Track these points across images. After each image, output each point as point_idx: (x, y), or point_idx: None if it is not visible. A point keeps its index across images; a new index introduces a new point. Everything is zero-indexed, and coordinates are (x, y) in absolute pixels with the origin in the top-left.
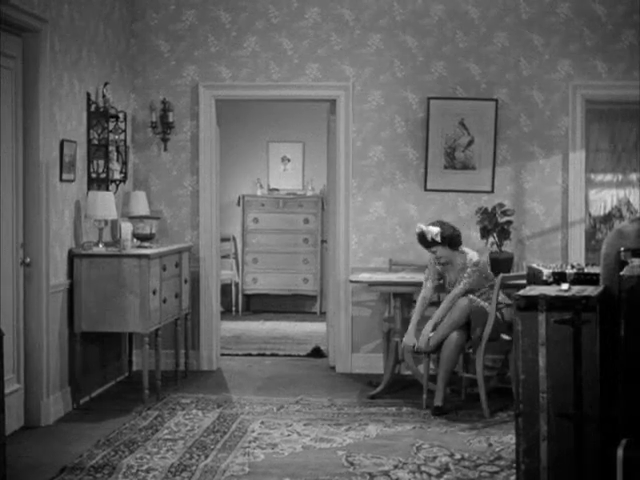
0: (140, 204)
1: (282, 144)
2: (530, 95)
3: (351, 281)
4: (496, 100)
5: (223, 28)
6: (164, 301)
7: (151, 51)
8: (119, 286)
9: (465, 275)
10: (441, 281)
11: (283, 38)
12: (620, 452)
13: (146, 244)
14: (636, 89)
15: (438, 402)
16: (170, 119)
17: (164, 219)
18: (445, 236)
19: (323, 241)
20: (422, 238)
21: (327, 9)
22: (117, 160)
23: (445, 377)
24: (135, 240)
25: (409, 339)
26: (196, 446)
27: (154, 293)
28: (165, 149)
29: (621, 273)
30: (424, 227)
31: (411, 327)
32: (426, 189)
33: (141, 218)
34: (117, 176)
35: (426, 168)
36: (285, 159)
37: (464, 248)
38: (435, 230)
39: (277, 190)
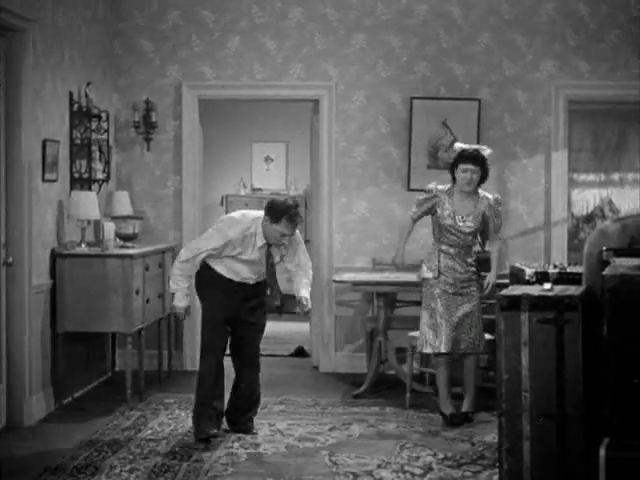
0: (123, 204)
1: (266, 144)
2: (513, 95)
3: (335, 281)
4: (479, 100)
5: (207, 28)
6: (147, 301)
7: (134, 51)
8: (102, 286)
9: (500, 218)
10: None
11: (267, 38)
12: (602, 451)
13: (129, 244)
14: (619, 89)
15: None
16: (153, 119)
17: (147, 219)
18: (488, 166)
19: (307, 241)
20: (473, 153)
21: (311, 9)
22: (100, 160)
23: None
24: (118, 240)
25: (399, 256)
26: (179, 446)
27: (137, 293)
28: (148, 149)
29: (603, 273)
30: (475, 145)
31: (400, 245)
32: (409, 189)
33: (124, 218)
34: (100, 176)
35: (409, 168)
36: (268, 159)
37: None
38: (490, 150)
39: (260, 190)
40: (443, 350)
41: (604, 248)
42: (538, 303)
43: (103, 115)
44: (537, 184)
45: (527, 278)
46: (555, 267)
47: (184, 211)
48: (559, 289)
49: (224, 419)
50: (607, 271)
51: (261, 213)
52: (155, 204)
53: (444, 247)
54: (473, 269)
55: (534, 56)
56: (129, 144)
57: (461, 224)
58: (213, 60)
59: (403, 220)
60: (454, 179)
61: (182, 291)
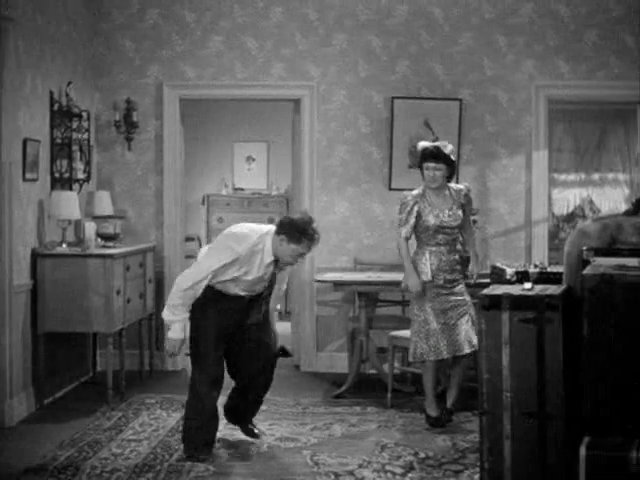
0: (104, 204)
1: (247, 144)
2: (494, 95)
3: (316, 280)
4: (460, 100)
5: (188, 28)
6: (128, 301)
7: (115, 50)
8: (83, 286)
9: (472, 207)
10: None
11: (248, 38)
12: (583, 450)
13: (110, 244)
14: (599, 89)
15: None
16: (134, 118)
17: (128, 219)
18: (454, 160)
19: None
20: (433, 151)
21: (292, 9)
22: (80, 159)
23: None
24: (99, 240)
25: (415, 280)
26: (160, 446)
27: (118, 293)
28: (129, 149)
29: (584, 272)
30: (436, 142)
31: (410, 269)
32: (390, 188)
33: (105, 218)
34: (81, 175)
35: (390, 168)
36: (250, 159)
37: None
38: (451, 146)
39: (242, 190)
40: (445, 356)
41: (584, 248)
42: (519, 302)
43: (84, 115)
44: (518, 184)
45: (508, 277)
46: (536, 267)
47: (165, 211)
48: (539, 289)
49: (224, 417)
50: (587, 270)
51: (267, 228)
52: (136, 204)
53: (433, 248)
54: (458, 267)
55: (515, 56)
56: (110, 144)
57: (448, 219)
58: (194, 60)
59: (398, 245)
60: (423, 177)
61: (181, 322)
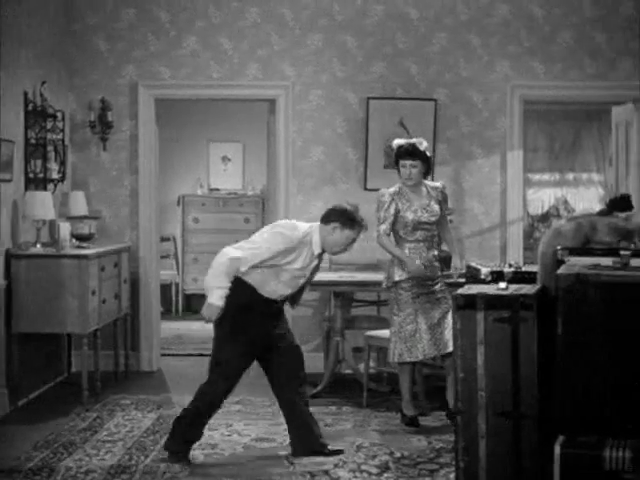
0: (79, 204)
1: (222, 144)
2: (469, 95)
3: None
4: (435, 100)
5: (163, 27)
6: (103, 301)
7: (90, 50)
8: (58, 287)
9: (448, 205)
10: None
11: (223, 38)
12: (557, 449)
13: (85, 244)
14: (573, 90)
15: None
16: (109, 118)
17: (103, 219)
18: (429, 156)
19: None
20: (409, 148)
21: (267, 9)
22: (55, 160)
23: None
24: (74, 240)
25: (412, 262)
26: (136, 447)
27: (93, 293)
28: (104, 149)
29: (558, 272)
30: (412, 140)
31: (403, 255)
32: (366, 188)
33: (80, 218)
34: (55, 176)
35: (366, 168)
36: (225, 159)
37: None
38: (426, 143)
39: (217, 190)
40: (421, 358)
41: (559, 247)
42: (493, 302)
43: (58, 115)
44: (493, 184)
45: (483, 277)
46: (510, 266)
47: (140, 211)
48: (514, 288)
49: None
50: (562, 270)
51: (309, 224)
52: (111, 204)
53: (412, 245)
54: (437, 264)
55: (489, 57)
56: (85, 144)
57: (426, 215)
58: (169, 60)
59: (379, 241)
60: (400, 175)
61: (222, 290)
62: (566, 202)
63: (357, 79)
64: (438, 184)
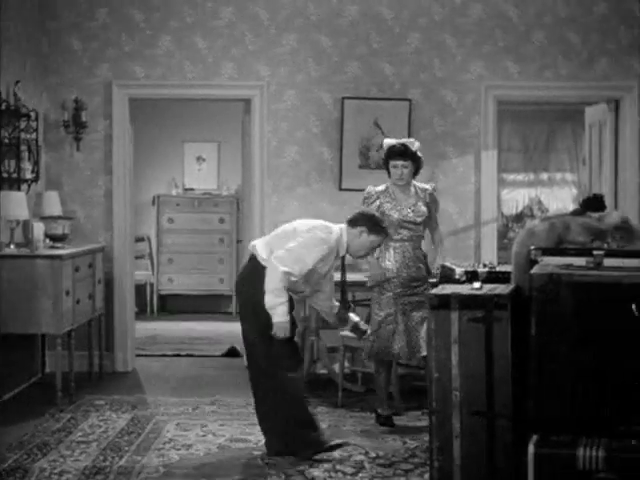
0: (53, 204)
1: (197, 144)
2: (443, 95)
3: None
4: (410, 100)
5: (137, 27)
6: (77, 302)
7: (64, 49)
8: (31, 287)
9: (438, 205)
10: None
11: (198, 37)
12: (531, 448)
13: (59, 245)
14: (547, 90)
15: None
16: (83, 118)
17: (77, 219)
18: (420, 157)
19: (239, 241)
20: (400, 149)
21: (242, 9)
22: (29, 159)
23: None
24: (48, 240)
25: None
26: (110, 448)
27: (67, 294)
28: (78, 149)
29: (531, 272)
30: (403, 140)
31: (373, 259)
32: (341, 189)
33: (54, 218)
34: (29, 176)
35: (341, 168)
36: (200, 159)
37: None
38: (418, 143)
39: (192, 190)
40: (398, 359)
41: (532, 247)
42: (467, 302)
43: (32, 114)
44: (467, 184)
45: (457, 277)
46: (485, 266)
47: (115, 211)
48: (488, 288)
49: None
50: (535, 270)
51: (334, 224)
52: (85, 204)
53: (397, 244)
54: (422, 265)
55: (463, 57)
56: (59, 143)
57: (411, 215)
58: (143, 59)
59: None
60: (389, 174)
61: (285, 305)
62: (540, 202)
63: (332, 79)
64: (427, 186)
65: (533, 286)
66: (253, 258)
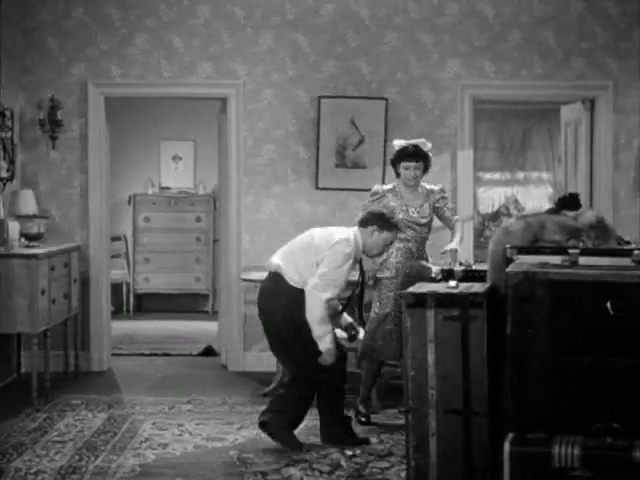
0: (28, 203)
1: (173, 142)
2: (420, 94)
3: (243, 280)
4: (386, 99)
5: (113, 25)
6: (53, 301)
7: (40, 48)
8: (7, 286)
9: (450, 202)
10: None
11: (174, 36)
12: (507, 446)
13: (34, 244)
14: (523, 89)
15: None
16: (59, 117)
17: (53, 218)
18: (430, 156)
19: (215, 240)
20: (413, 150)
21: (218, 7)
22: (4, 158)
23: None
24: (23, 240)
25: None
26: (86, 447)
27: (43, 293)
28: (54, 147)
29: (507, 270)
30: (413, 141)
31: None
32: (317, 187)
33: (29, 217)
34: (4, 174)
35: (317, 167)
36: (177, 157)
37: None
38: (430, 144)
39: (169, 189)
40: (390, 360)
41: (508, 246)
42: (443, 300)
43: (7, 113)
44: (443, 182)
45: (433, 276)
46: (461, 265)
47: (90, 210)
48: (464, 286)
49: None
50: (511, 268)
51: (346, 229)
52: (61, 203)
53: (401, 244)
54: (429, 265)
55: (440, 56)
56: (34, 142)
57: (416, 215)
58: (119, 58)
59: None
60: (398, 174)
61: (331, 332)
62: (516, 201)
63: (309, 78)
64: (436, 188)
65: (509, 284)
66: (276, 276)
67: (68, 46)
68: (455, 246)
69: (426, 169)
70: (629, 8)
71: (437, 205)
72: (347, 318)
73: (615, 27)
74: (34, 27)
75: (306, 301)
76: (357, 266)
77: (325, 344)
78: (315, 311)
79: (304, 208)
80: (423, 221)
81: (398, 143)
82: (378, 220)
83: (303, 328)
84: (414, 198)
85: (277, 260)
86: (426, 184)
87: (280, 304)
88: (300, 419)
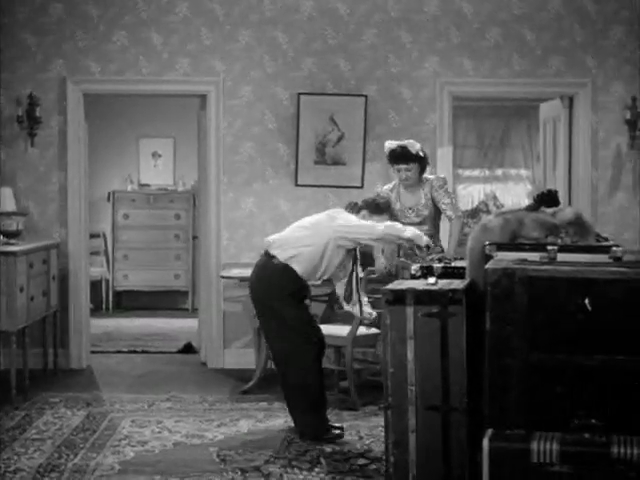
0: (6, 200)
1: (153, 139)
2: (399, 91)
3: (222, 277)
4: (365, 96)
5: (91, 22)
6: (31, 299)
7: (17, 45)
8: None
9: (447, 197)
10: None
11: (153, 33)
12: (486, 443)
13: (13, 241)
14: (502, 86)
15: None
16: (37, 114)
17: (31, 215)
18: (424, 155)
19: (194, 237)
20: (401, 152)
21: (197, 4)
22: None
23: None
24: (1, 237)
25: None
26: (65, 445)
27: (21, 291)
28: (32, 144)
29: (486, 267)
30: (403, 142)
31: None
32: (297, 184)
33: (7, 214)
34: None
35: (297, 164)
36: (156, 154)
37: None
38: (418, 144)
39: (148, 186)
40: None
41: (486, 243)
42: (422, 297)
43: None
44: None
45: (412, 272)
46: (440, 261)
47: (69, 207)
48: (443, 283)
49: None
50: (489, 265)
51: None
52: (40, 200)
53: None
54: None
55: (419, 53)
56: (12, 139)
57: (410, 214)
58: (98, 54)
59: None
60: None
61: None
62: (495, 198)
63: (287, 75)
64: (432, 177)
65: (488, 281)
66: (266, 253)
67: (46, 43)
68: (451, 251)
69: (423, 169)
70: (607, 6)
71: (433, 195)
72: (362, 297)
73: (593, 25)
74: (12, 23)
75: (380, 239)
76: (351, 253)
77: (408, 232)
78: (380, 231)
79: (283, 205)
80: (417, 220)
81: (389, 145)
82: (368, 206)
83: (290, 301)
84: (411, 198)
85: (270, 237)
86: (427, 175)
87: (266, 276)
88: (323, 404)
